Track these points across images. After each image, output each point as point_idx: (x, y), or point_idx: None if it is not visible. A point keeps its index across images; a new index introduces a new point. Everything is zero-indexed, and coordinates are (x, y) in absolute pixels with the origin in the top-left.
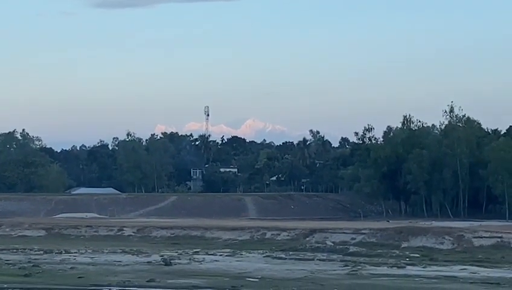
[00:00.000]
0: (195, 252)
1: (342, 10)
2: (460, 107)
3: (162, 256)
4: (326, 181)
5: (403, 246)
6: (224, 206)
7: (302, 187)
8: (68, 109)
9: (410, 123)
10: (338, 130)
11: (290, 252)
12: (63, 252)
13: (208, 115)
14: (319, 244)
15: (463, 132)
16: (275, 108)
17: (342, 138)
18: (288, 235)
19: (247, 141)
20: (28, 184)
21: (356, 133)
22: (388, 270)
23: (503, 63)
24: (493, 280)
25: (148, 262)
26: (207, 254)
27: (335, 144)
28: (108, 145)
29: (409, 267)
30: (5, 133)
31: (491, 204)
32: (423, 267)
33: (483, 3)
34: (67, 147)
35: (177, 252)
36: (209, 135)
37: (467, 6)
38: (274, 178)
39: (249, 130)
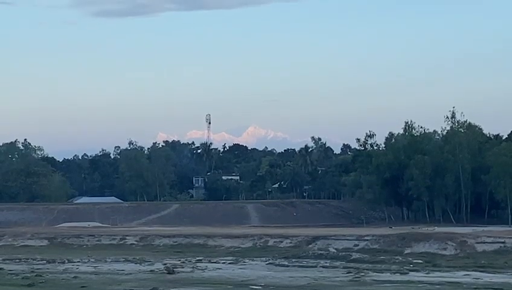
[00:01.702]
0: (198, 260)
1: (342, 18)
2: (462, 112)
3: (165, 264)
4: (328, 188)
5: (405, 252)
6: (226, 214)
7: (304, 194)
8: (70, 118)
9: (411, 129)
10: (340, 136)
11: (293, 259)
12: (66, 261)
13: (210, 123)
14: (322, 251)
15: (465, 137)
16: (276, 115)
17: (343, 144)
18: (291, 243)
19: (249, 148)
20: (30, 194)
21: (358, 140)
22: (391, 277)
23: (505, 69)
24: (496, 285)
25: (151, 271)
26: (210, 261)
27: (337, 150)
28: (110, 154)
29: (412, 273)
30: (7, 143)
31: (494, 209)
32: (426, 273)
33: (484, 11)
34: (69, 157)
35: (180, 260)
36: (210, 143)
37: (467, 13)
38: (276, 185)
39: (251, 138)
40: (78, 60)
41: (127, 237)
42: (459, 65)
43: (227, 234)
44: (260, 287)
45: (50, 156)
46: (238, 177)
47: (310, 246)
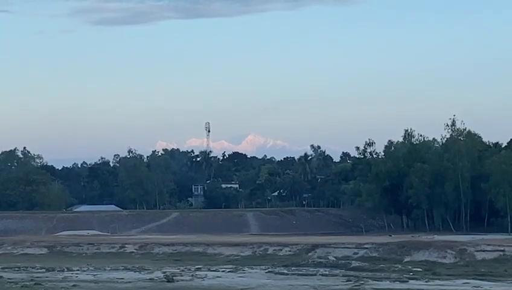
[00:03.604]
0: (197, 268)
1: (341, 27)
2: (462, 121)
3: (164, 273)
4: (327, 196)
5: (405, 260)
6: (226, 222)
7: (304, 202)
8: (69, 126)
9: (411, 137)
10: (339, 144)
11: (293, 268)
12: (65, 269)
13: (209, 131)
14: (322, 260)
15: (464, 145)
16: (275, 123)
17: (343, 152)
18: (290, 251)
19: (248, 156)
20: (29, 202)
21: (357, 148)
22: (391, 285)
23: (504, 77)
24: None
25: (150, 279)
26: (209, 270)
27: (336, 158)
28: (109, 162)
29: (411, 281)
30: (6, 152)
31: (493, 217)
32: (426, 282)
33: (483, 21)
34: (69, 165)
35: (179, 268)
36: (210, 151)
37: (467, 23)
38: (275, 193)
39: (250, 146)
40: (77, 69)
41: (126, 246)
42: (458, 74)
43: (227, 242)
44: None
45: (49, 164)
46: (237, 186)
47: (310, 254)
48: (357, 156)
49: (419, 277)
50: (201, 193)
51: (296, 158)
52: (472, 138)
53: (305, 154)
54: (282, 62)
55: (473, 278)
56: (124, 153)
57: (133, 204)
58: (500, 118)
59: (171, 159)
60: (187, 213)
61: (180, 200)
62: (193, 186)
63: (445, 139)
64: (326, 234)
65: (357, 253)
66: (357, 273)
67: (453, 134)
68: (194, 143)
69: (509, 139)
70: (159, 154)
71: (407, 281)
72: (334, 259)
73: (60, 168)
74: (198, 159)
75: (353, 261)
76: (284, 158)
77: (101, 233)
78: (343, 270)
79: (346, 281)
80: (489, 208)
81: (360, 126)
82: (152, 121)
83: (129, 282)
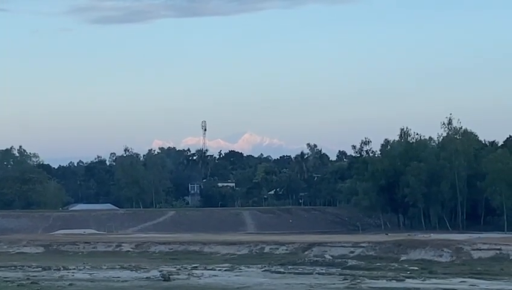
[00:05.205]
0: (194, 267)
1: (338, 26)
2: (458, 119)
3: (160, 271)
4: (324, 195)
5: (401, 259)
6: (222, 220)
7: (300, 201)
8: (65, 125)
9: (407, 136)
10: (335, 143)
11: (289, 266)
12: (62, 268)
13: (205, 130)
14: (318, 258)
15: (460, 144)
16: (272, 122)
17: (339, 151)
18: (286, 249)
19: (245, 155)
20: (25, 201)
21: (353, 147)
22: (387, 284)
23: (500, 77)
24: None
25: (147, 278)
26: (206, 268)
27: (332, 157)
28: (105, 161)
29: (408, 280)
30: (3, 150)
31: (489, 216)
32: (422, 280)
33: (482, 21)
34: (65, 163)
35: (175, 267)
36: (206, 150)
37: (463, 23)
38: (272, 192)
39: (246, 144)
40: (74, 67)
41: (123, 244)
42: (455, 73)
43: (223, 241)
44: None
45: (45, 163)
46: (233, 184)
47: (306, 253)
48: (354, 155)
49: (416, 275)
50: (198, 191)
51: (292, 157)
52: (468, 136)
53: (302, 152)
54: (279, 61)
55: (469, 277)
56: (120, 152)
57: (130, 203)
58: (496, 117)
59: (168, 158)
60: (183, 212)
61: (176, 199)
62: (189, 185)
63: (442, 137)
64: (323, 233)
65: (354, 252)
66: (354, 272)
67: (450, 133)
68: (190, 142)
69: (505, 138)
70: (155, 153)
71: (404, 280)
72: (331, 258)
73: (56, 167)
74: (194, 157)
75: (349, 260)
76: (281, 157)
77: (97, 232)
78: (339, 269)
79: (343, 279)
80: (485, 207)
81: (357, 125)
82: (148, 119)
83: (126, 281)
